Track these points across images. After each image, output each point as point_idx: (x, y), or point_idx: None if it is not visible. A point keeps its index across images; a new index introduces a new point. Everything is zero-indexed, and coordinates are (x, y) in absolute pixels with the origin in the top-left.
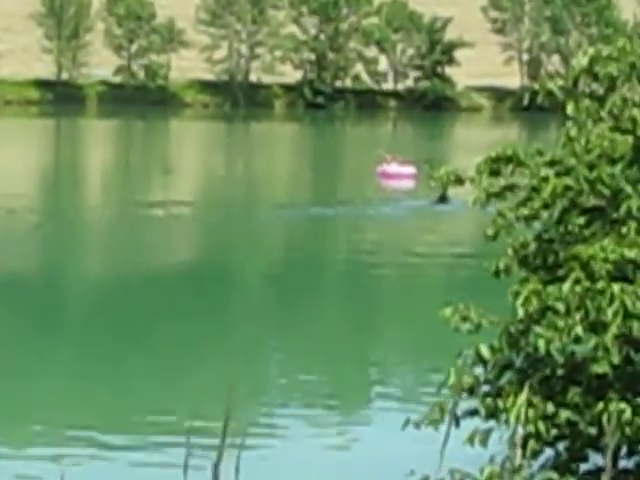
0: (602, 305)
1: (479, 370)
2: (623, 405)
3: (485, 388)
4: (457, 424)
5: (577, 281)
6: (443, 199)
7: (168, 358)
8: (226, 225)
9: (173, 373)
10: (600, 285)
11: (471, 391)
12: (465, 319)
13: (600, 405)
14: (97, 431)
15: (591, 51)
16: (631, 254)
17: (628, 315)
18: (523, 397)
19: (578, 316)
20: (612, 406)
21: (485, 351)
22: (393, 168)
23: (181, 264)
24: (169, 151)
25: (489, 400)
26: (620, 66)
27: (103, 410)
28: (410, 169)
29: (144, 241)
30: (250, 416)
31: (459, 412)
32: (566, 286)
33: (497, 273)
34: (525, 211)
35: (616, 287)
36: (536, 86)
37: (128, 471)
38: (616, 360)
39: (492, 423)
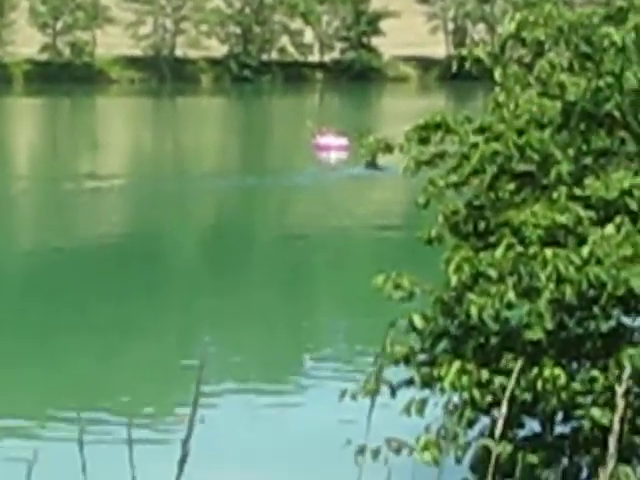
0: (535, 270)
1: (414, 339)
2: (558, 371)
3: (420, 357)
4: (393, 394)
5: (509, 246)
6: (372, 165)
7: (102, 336)
8: (156, 198)
9: (107, 354)
10: (532, 250)
11: (406, 360)
12: (398, 287)
13: (535, 371)
14: (29, 419)
15: (518, 16)
16: (562, 219)
17: (561, 280)
18: (457, 365)
19: (511, 282)
20: (546, 372)
21: (418, 320)
22: (328, 139)
23: (111, 237)
24: (96, 128)
25: (424, 369)
26: (547, 31)
27: (37, 396)
28: (343, 140)
29: (73, 215)
30: (184, 391)
31: (395, 382)
32: (499, 252)
33: (429, 241)
34: (455, 178)
35: (548, 252)
36: (464, 52)
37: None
38: (550, 326)
39: (428, 392)
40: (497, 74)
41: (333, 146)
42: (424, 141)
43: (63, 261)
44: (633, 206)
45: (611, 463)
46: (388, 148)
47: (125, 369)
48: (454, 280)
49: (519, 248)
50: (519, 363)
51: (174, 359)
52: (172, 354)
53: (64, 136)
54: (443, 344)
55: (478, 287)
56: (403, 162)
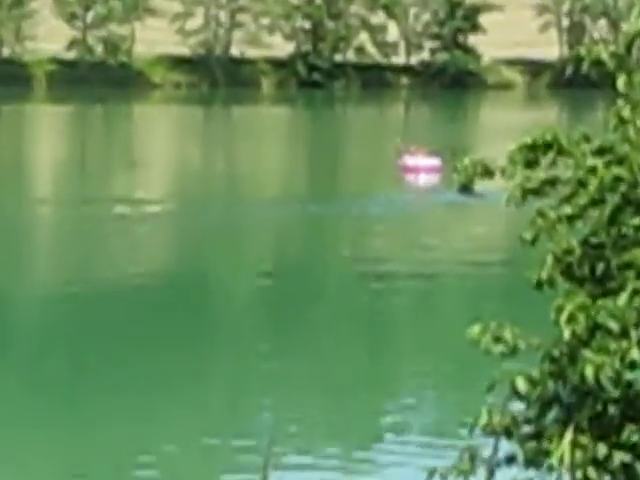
0: None
1: (517, 407)
2: None
3: (524, 429)
4: (491, 474)
5: (635, 292)
6: (467, 190)
7: (134, 399)
8: (203, 229)
9: (140, 421)
10: None
11: (507, 432)
12: (498, 340)
13: None
14: None
15: None
16: None
17: None
18: (568, 437)
19: (635, 336)
20: None
21: (522, 383)
22: (417, 160)
23: (150, 276)
24: (134, 141)
25: (529, 443)
26: None
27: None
28: (434, 161)
29: (102, 249)
30: (234, 470)
31: (493, 459)
32: (622, 298)
33: (539, 285)
34: (569, 210)
35: None
36: (581, 52)
37: None
38: None
39: (534, 471)
40: (621, 82)
41: (422, 168)
42: (532, 164)
43: (88, 307)
44: None
45: None
46: (487, 172)
47: (161, 439)
48: (567, 333)
49: None
50: None
51: (222, 430)
52: (220, 424)
53: (95, 151)
54: (553, 413)
55: (595, 342)
56: (506, 189)
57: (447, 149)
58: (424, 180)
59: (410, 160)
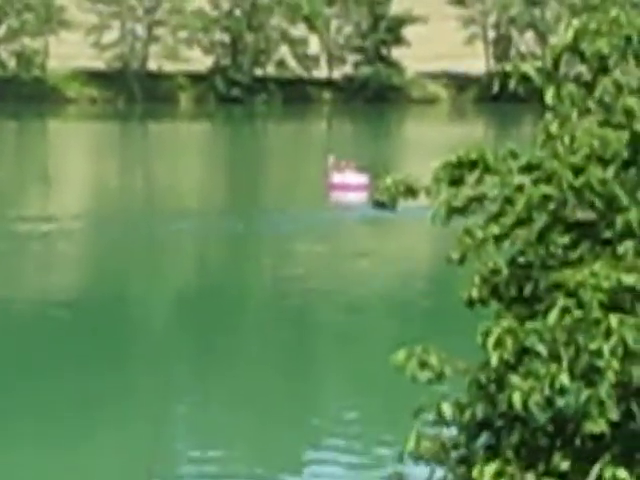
0: (596, 341)
1: (445, 432)
2: (623, 473)
3: (453, 454)
4: None
5: (565, 310)
6: (380, 204)
7: (55, 420)
8: (120, 245)
9: (63, 440)
10: (594, 315)
11: (437, 459)
12: (424, 365)
13: (594, 472)
14: None
15: (576, 23)
16: (629, 280)
17: (628, 354)
18: (495, 466)
19: (566, 359)
20: (608, 473)
21: (448, 409)
22: (344, 177)
23: (65, 294)
24: (48, 158)
25: (459, 469)
26: (613, 41)
27: None
28: (362, 178)
29: (16, 267)
30: None
31: None
32: (552, 316)
33: (471, 303)
34: (496, 229)
35: (614, 319)
36: (507, 67)
37: None
38: (614, 416)
39: None
40: (549, 96)
41: (351, 185)
42: (457, 182)
43: (3, 326)
44: None
45: None
46: (411, 191)
47: (86, 462)
48: (494, 359)
49: (578, 313)
50: (574, 463)
51: (142, 453)
52: (140, 447)
53: (8, 168)
54: (481, 438)
55: (523, 367)
56: (431, 206)
57: (375, 165)
58: (353, 198)
59: (338, 177)
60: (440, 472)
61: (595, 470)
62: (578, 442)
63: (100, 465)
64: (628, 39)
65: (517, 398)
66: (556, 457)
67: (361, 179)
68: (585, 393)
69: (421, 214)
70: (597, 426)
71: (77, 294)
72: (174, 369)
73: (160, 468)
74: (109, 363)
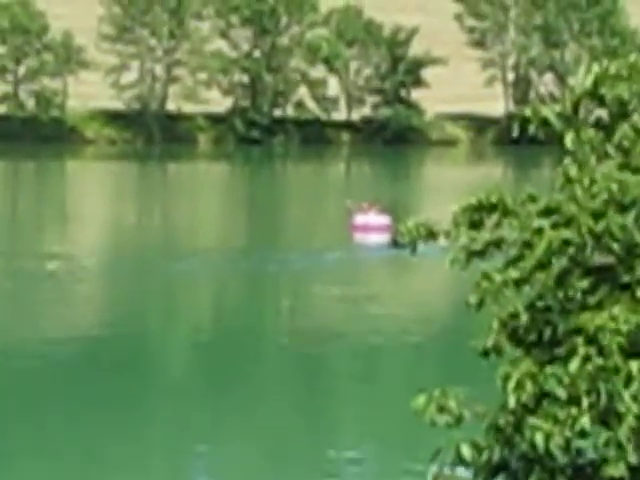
0: (617, 388)
1: (463, 474)
2: None
3: None
4: None
5: (587, 358)
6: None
7: (66, 464)
8: (136, 285)
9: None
10: (612, 362)
11: None
12: (443, 410)
13: None
14: None
15: (596, 68)
16: None
17: None
18: None
19: (586, 404)
20: None
21: (467, 450)
22: (367, 218)
23: (78, 335)
24: (67, 198)
25: None
26: (633, 87)
27: None
28: (384, 219)
29: (30, 304)
30: None
31: None
32: (574, 365)
33: (485, 353)
34: (515, 273)
35: (634, 365)
36: (527, 112)
37: None
38: (634, 459)
39: None
40: (569, 140)
41: (373, 226)
42: (476, 225)
43: (14, 368)
44: None
45: None
46: (431, 234)
47: None
48: (513, 401)
49: (599, 361)
50: None
51: None
52: None
53: (26, 207)
54: None
55: (542, 410)
56: (450, 250)
57: (396, 207)
58: (375, 240)
59: (360, 219)
60: None
61: None
62: None
63: None
64: None
65: (539, 439)
66: None
67: (383, 220)
68: (604, 435)
69: (441, 255)
70: (616, 470)
71: (92, 333)
72: (188, 412)
73: None
74: (122, 405)
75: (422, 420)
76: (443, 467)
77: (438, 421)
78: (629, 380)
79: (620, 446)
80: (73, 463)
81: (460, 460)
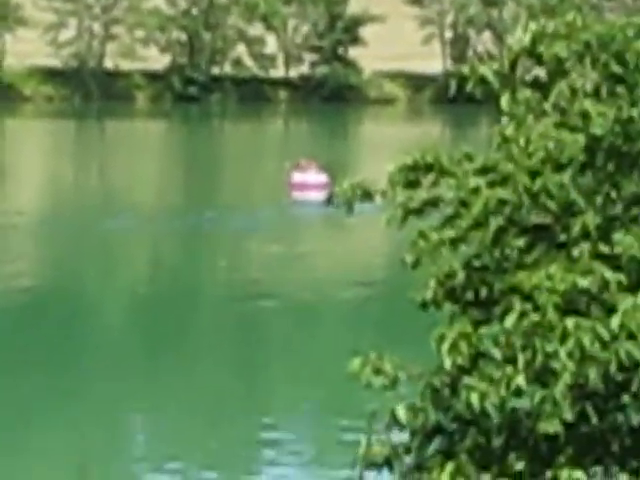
0: (553, 345)
1: (397, 436)
2: (578, 473)
3: (406, 459)
4: None
5: (523, 314)
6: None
7: (7, 420)
8: (70, 242)
9: (18, 439)
10: (549, 319)
11: (389, 463)
12: (378, 372)
13: (549, 474)
14: None
15: (534, 26)
16: (585, 282)
17: (584, 358)
18: (450, 467)
19: (522, 361)
20: (564, 474)
21: (403, 413)
22: (305, 177)
23: (14, 290)
24: (4, 155)
25: (411, 474)
26: (570, 45)
27: None
28: (322, 177)
29: None
30: None
31: None
32: (510, 320)
33: (424, 305)
34: (452, 232)
35: (570, 322)
36: (465, 70)
37: None
38: (569, 417)
39: None
40: (505, 101)
41: (311, 184)
42: (413, 184)
43: None
44: None
45: None
46: (367, 195)
47: (30, 464)
48: (448, 362)
49: (535, 317)
50: (528, 464)
51: (97, 453)
52: (93, 447)
53: None
54: (434, 443)
55: (478, 371)
56: (387, 209)
57: (334, 165)
58: (312, 197)
59: (298, 177)
60: (392, 477)
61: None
62: (532, 443)
63: (44, 468)
64: (586, 44)
65: (475, 399)
66: (511, 458)
67: (321, 178)
68: (539, 394)
69: (378, 214)
70: (551, 426)
71: (29, 290)
72: (125, 370)
73: (100, 469)
74: (58, 365)
75: (357, 382)
76: (377, 431)
77: (374, 383)
78: (564, 337)
79: (555, 403)
80: (8, 425)
81: (396, 422)
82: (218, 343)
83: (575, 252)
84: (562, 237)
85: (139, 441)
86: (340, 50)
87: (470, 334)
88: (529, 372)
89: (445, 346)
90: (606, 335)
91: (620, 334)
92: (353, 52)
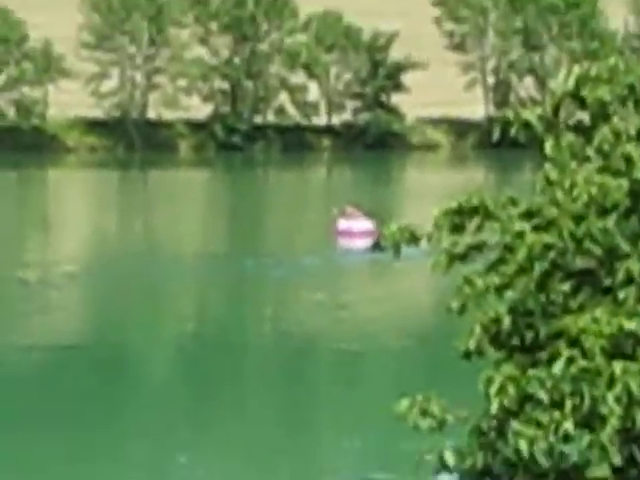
0: (600, 390)
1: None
2: None
3: None
4: None
5: (570, 360)
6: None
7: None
8: (118, 291)
9: None
10: (596, 364)
11: None
12: (425, 414)
13: None
14: None
15: (577, 70)
16: (631, 325)
17: (631, 402)
18: None
19: (569, 407)
20: None
21: (450, 456)
22: (351, 224)
23: (59, 340)
24: (48, 206)
25: None
26: (613, 89)
27: None
28: (368, 224)
29: (12, 312)
30: None
31: None
32: (557, 366)
33: (467, 354)
34: (497, 279)
35: (617, 366)
36: (508, 115)
37: None
38: (617, 461)
39: None
40: (548, 145)
41: (357, 232)
42: (458, 228)
43: None
44: None
45: None
46: (413, 238)
47: None
48: (495, 405)
49: (582, 362)
50: None
51: None
52: None
53: (7, 216)
54: None
55: (525, 415)
56: (432, 254)
57: (380, 212)
58: (359, 245)
59: (344, 224)
60: None
61: None
62: None
63: None
64: (631, 87)
65: (524, 444)
66: None
67: (367, 225)
68: (587, 438)
69: (424, 259)
70: (600, 471)
71: (74, 341)
72: (171, 419)
73: None
74: (104, 414)
75: (405, 424)
76: (426, 474)
77: (421, 425)
78: (612, 382)
79: (603, 448)
80: (55, 477)
81: (443, 466)
82: (264, 393)
83: (620, 296)
84: (607, 281)
85: None
86: (382, 97)
87: (518, 377)
88: (576, 416)
89: (493, 389)
90: None
91: None
92: (395, 98)
